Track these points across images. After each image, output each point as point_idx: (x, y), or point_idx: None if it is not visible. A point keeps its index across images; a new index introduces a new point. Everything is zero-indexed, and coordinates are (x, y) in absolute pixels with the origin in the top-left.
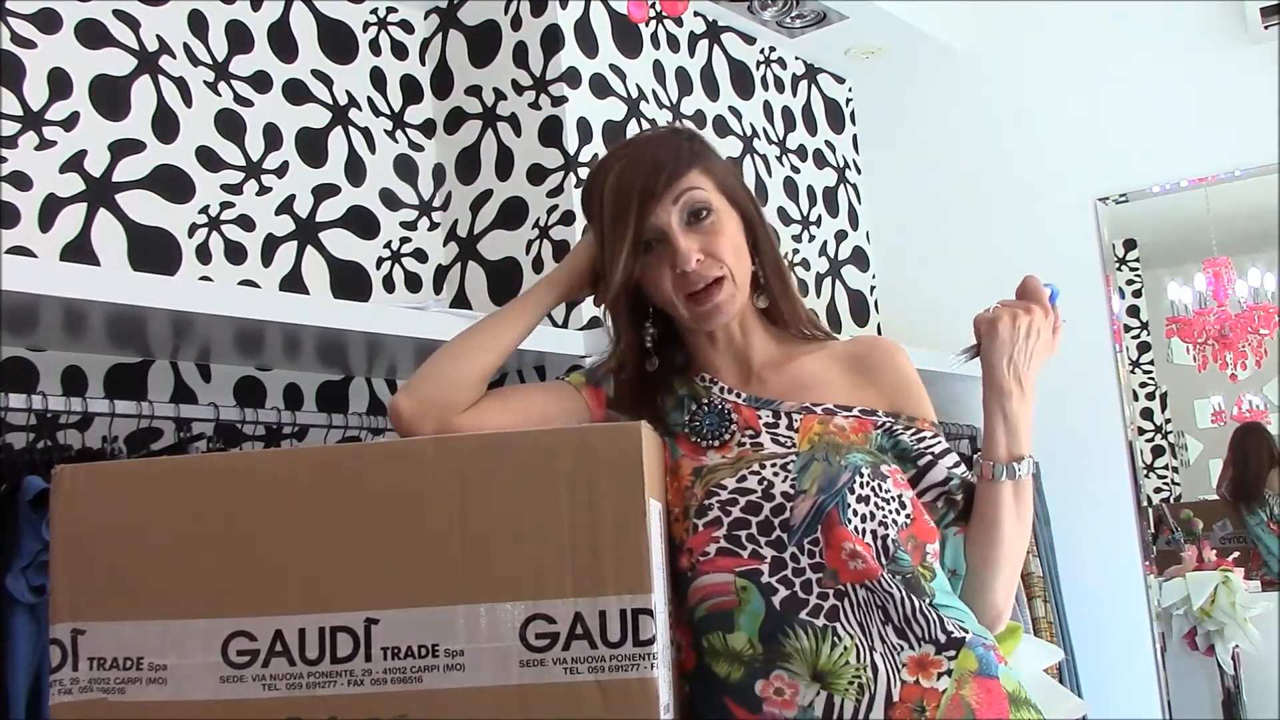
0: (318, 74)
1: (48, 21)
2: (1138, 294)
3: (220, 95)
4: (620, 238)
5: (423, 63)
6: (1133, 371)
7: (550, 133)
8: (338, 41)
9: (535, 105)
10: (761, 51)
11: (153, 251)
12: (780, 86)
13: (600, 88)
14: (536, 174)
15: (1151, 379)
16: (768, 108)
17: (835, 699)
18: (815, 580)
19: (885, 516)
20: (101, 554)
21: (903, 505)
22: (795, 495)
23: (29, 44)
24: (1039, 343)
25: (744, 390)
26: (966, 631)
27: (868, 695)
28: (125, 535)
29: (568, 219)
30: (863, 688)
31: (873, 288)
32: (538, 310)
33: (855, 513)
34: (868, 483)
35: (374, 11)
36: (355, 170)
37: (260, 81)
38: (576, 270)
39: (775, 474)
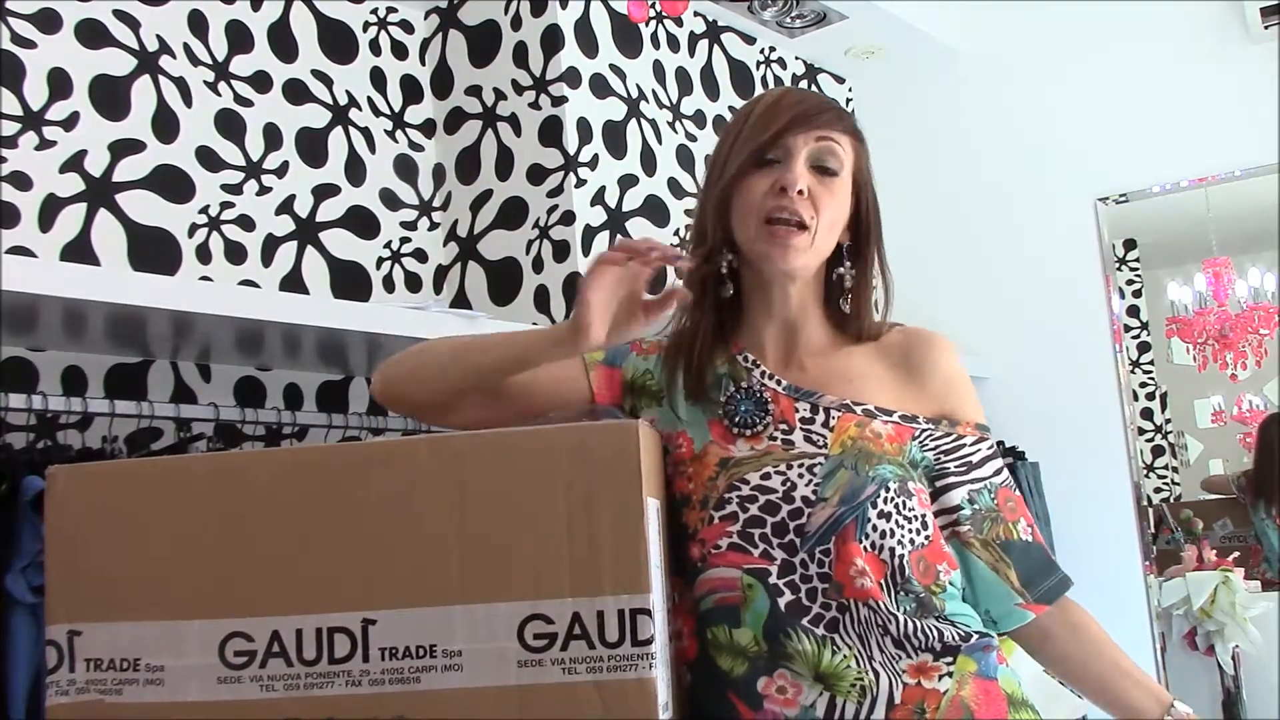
0: (318, 74)
1: (48, 21)
2: (1138, 294)
3: (220, 95)
4: (750, 139)
5: (423, 63)
6: (1133, 371)
7: (550, 133)
8: (338, 41)
9: (535, 105)
10: (761, 51)
11: (153, 251)
12: (780, 86)
13: (600, 88)
14: (536, 174)
15: (1151, 379)
16: None
17: (837, 700)
18: (820, 590)
19: (904, 535)
20: (97, 555)
21: (924, 525)
22: (815, 502)
23: (29, 44)
24: None
25: (784, 376)
26: (967, 638)
27: (869, 697)
28: (121, 536)
29: (568, 219)
30: (865, 690)
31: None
32: (525, 348)
33: (874, 528)
34: (892, 498)
35: (374, 11)
36: (355, 170)
37: (260, 81)
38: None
39: (800, 475)
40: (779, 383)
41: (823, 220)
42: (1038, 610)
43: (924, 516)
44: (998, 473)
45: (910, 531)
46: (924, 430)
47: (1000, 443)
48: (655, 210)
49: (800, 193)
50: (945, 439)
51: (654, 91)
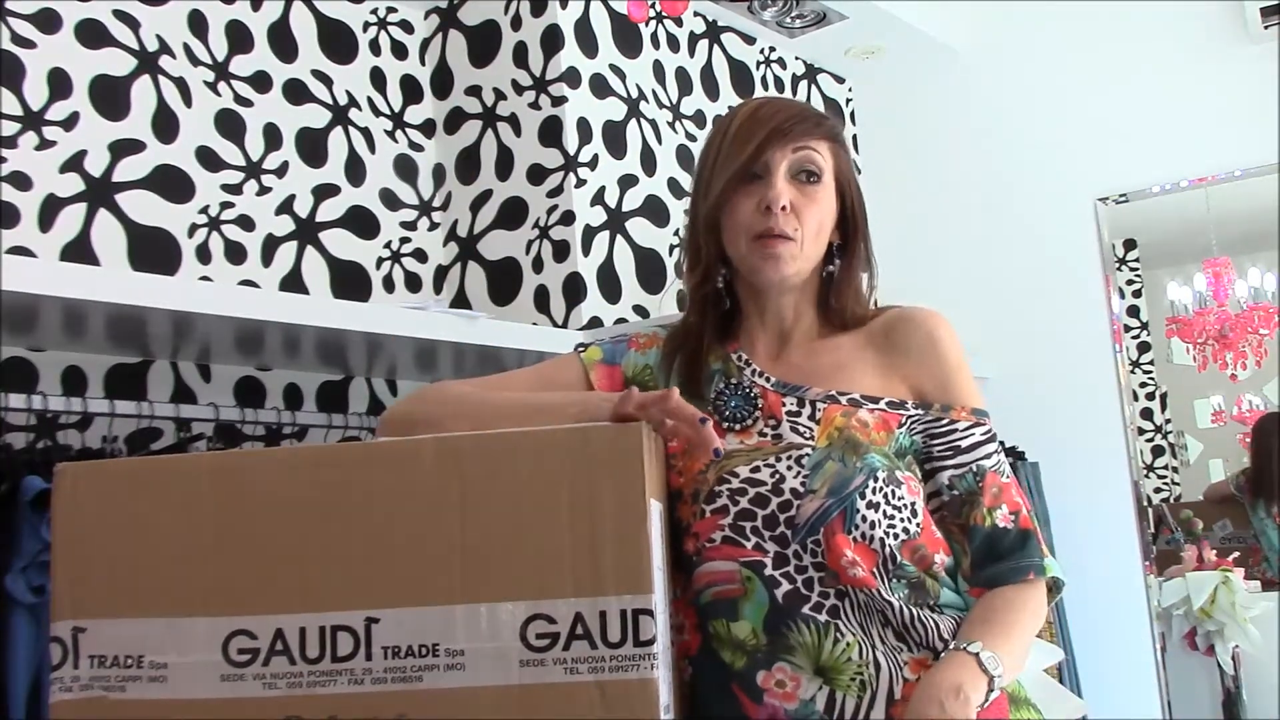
0: (318, 74)
1: (48, 21)
2: (1138, 294)
3: (220, 95)
4: (732, 158)
5: (423, 63)
6: (1133, 371)
7: (550, 133)
8: (338, 41)
9: (535, 105)
10: (761, 51)
11: (153, 251)
12: (780, 86)
13: (600, 88)
14: (536, 174)
15: (1151, 379)
16: None
17: (837, 694)
18: (817, 579)
19: (894, 525)
20: (103, 552)
21: (914, 514)
22: (804, 494)
23: (29, 44)
24: None
25: (773, 373)
26: None
27: (869, 692)
28: (127, 533)
29: (568, 219)
30: (865, 684)
31: (872, 288)
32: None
33: (864, 519)
34: (881, 488)
35: (374, 11)
36: (355, 170)
37: (260, 81)
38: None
39: (789, 468)
40: (767, 379)
41: (808, 230)
42: (975, 594)
43: (914, 504)
44: (987, 457)
45: (901, 520)
46: (912, 415)
47: (1000, 443)
48: (655, 210)
49: (784, 208)
50: (935, 423)
51: (654, 91)
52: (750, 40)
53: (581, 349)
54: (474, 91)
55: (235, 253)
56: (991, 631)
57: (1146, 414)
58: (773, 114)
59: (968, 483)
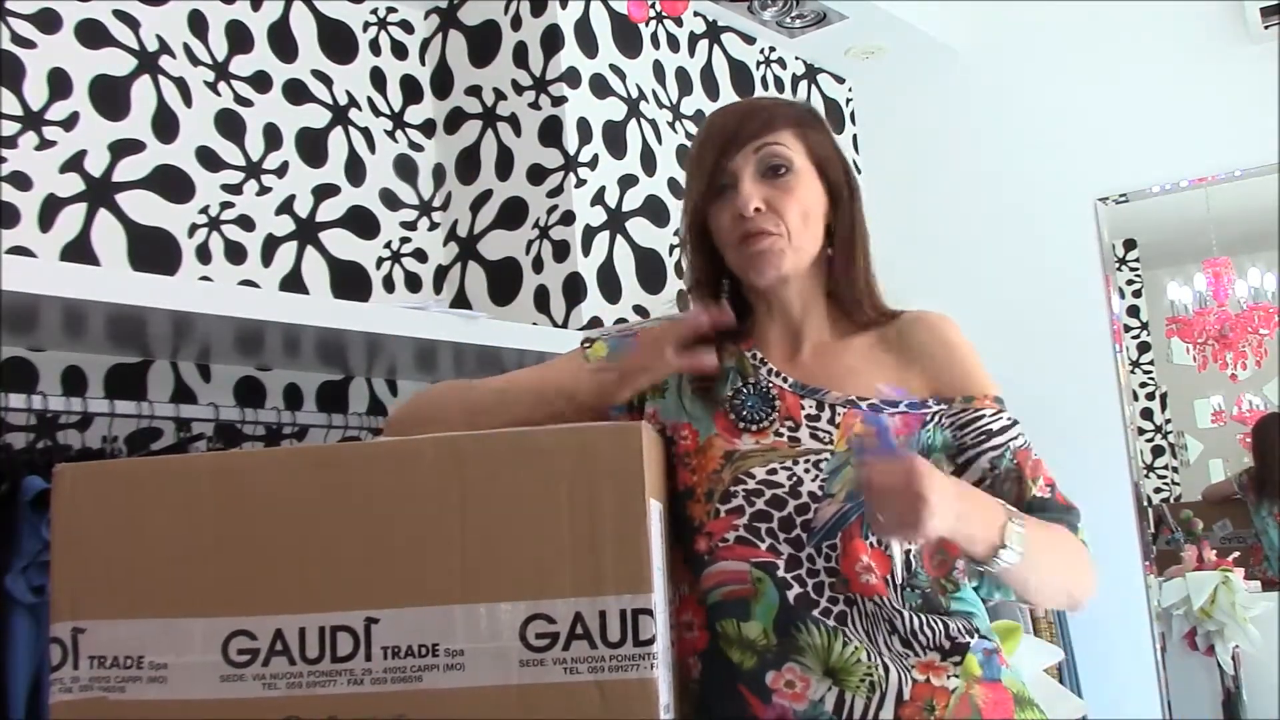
0: (318, 74)
1: (48, 21)
2: (1138, 294)
3: (220, 95)
4: (698, 176)
5: (423, 63)
6: (1133, 371)
7: (550, 133)
8: (338, 41)
9: (535, 105)
10: (761, 51)
11: (153, 251)
12: (780, 86)
13: (600, 88)
14: (536, 174)
15: (1151, 379)
16: None
17: (846, 695)
18: (828, 584)
19: None
20: (102, 552)
21: None
22: (822, 497)
23: (29, 44)
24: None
25: (790, 373)
26: (971, 635)
27: (879, 693)
28: (126, 534)
29: (568, 219)
30: (874, 685)
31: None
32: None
33: None
34: None
35: (374, 11)
36: (355, 170)
37: (260, 81)
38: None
39: (806, 471)
40: (785, 379)
41: (791, 221)
42: None
43: None
44: (1016, 437)
45: None
46: (936, 411)
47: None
48: (655, 210)
49: (757, 210)
50: (961, 413)
51: (654, 91)
52: (750, 40)
53: (587, 345)
54: (474, 91)
55: (235, 253)
56: (1035, 524)
57: (1146, 414)
58: (724, 120)
59: (1006, 461)
